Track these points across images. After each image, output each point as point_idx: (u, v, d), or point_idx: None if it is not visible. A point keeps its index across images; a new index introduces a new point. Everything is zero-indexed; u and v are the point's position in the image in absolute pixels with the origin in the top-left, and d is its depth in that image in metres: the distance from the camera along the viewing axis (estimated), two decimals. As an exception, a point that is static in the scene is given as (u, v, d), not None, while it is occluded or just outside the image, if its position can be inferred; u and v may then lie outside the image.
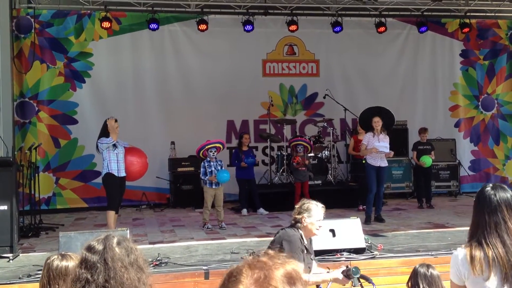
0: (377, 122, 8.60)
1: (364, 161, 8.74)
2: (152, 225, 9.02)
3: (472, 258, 2.66)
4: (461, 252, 2.74)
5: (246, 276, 1.40)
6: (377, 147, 8.45)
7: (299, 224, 4.29)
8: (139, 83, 11.70)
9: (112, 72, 11.58)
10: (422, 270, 3.76)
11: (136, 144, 11.24)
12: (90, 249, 2.07)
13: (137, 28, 11.64)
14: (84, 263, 2.05)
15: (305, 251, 4.30)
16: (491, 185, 2.82)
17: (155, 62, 11.78)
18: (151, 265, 5.64)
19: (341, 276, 4.14)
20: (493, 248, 2.63)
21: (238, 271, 1.43)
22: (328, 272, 4.35)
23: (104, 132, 7.57)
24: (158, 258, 5.85)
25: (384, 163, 8.62)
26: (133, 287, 2.01)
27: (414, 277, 3.78)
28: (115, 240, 2.06)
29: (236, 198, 10.97)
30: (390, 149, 8.63)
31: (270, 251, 1.52)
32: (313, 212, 4.27)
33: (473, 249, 2.68)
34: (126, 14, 11.59)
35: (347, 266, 4.24)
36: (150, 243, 7.30)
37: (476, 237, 2.71)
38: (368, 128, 8.82)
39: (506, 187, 2.81)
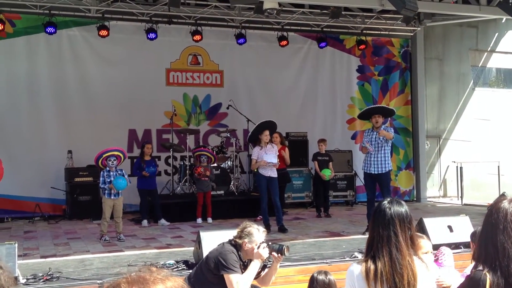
0: (267, 135, 8.95)
1: (256, 170, 9.07)
2: (45, 238, 8.57)
3: (367, 273, 2.65)
4: (357, 268, 2.73)
5: None
6: (265, 159, 8.81)
7: (238, 247, 4.25)
8: (34, 89, 11.11)
9: (4, 77, 10.92)
10: (320, 277, 3.92)
11: (30, 153, 10.76)
12: None
13: (33, 32, 11.07)
14: None
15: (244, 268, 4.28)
16: (388, 199, 2.83)
17: (52, 67, 11.26)
18: (41, 280, 5.36)
19: (267, 255, 4.18)
20: (382, 262, 2.64)
21: (116, 286, 1.40)
22: (252, 262, 4.23)
23: None
24: (49, 273, 5.56)
25: (274, 174, 8.98)
26: None
27: (312, 284, 3.93)
28: None
29: (137, 209, 10.70)
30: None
31: (153, 267, 1.48)
32: (255, 237, 4.24)
33: (368, 264, 2.68)
34: (21, 16, 11.00)
35: (262, 245, 4.21)
36: (42, 257, 6.92)
37: (371, 251, 2.71)
38: (256, 142, 9.12)
39: (403, 202, 2.83)
